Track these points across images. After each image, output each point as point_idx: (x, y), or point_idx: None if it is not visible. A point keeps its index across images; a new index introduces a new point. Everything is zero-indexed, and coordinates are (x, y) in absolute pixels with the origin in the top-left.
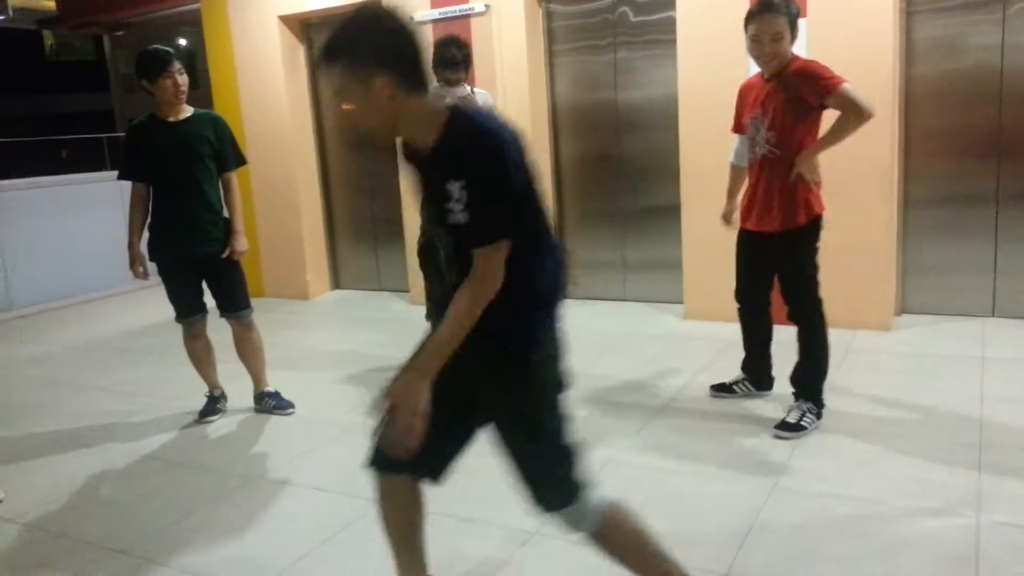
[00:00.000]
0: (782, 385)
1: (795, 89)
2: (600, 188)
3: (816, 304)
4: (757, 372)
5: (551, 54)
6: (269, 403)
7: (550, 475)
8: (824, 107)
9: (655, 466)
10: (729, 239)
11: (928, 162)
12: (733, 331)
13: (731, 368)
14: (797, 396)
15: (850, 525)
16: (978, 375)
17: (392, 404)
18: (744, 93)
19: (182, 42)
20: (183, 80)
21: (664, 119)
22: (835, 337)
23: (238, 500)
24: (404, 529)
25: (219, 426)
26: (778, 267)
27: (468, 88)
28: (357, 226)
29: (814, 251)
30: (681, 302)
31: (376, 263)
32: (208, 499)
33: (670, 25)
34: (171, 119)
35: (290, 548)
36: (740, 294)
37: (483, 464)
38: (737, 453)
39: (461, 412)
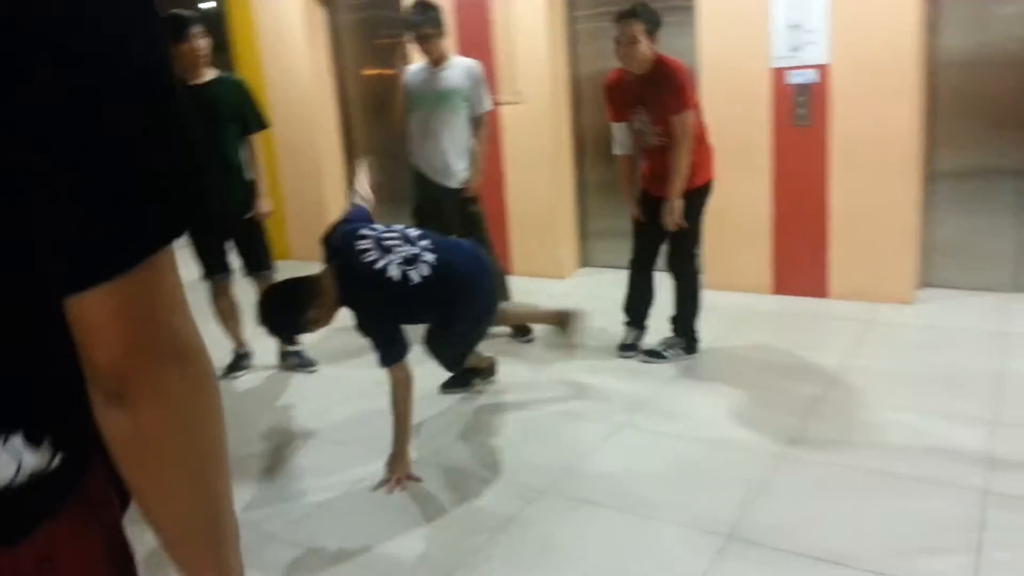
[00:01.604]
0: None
1: (663, 91)
2: None
3: (696, 257)
4: (643, 321)
5: (572, 20)
6: (293, 361)
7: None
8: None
9: (663, 431)
10: (745, 210)
11: (953, 133)
12: (750, 301)
13: (745, 337)
14: (676, 333)
15: (857, 490)
16: (998, 349)
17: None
18: (613, 88)
19: (212, 3)
20: (202, 45)
21: None
22: (855, 310)
23: (260, 451)
24: None
25: (245, 382)
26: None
27: (448, 57)
28: (377, 194)
29: (702, 211)
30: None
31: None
32: (235, 451)
33: None
34: (194, 82)
35: (308, 496)
36: (644, 256)
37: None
38: (751, 418)
39: None
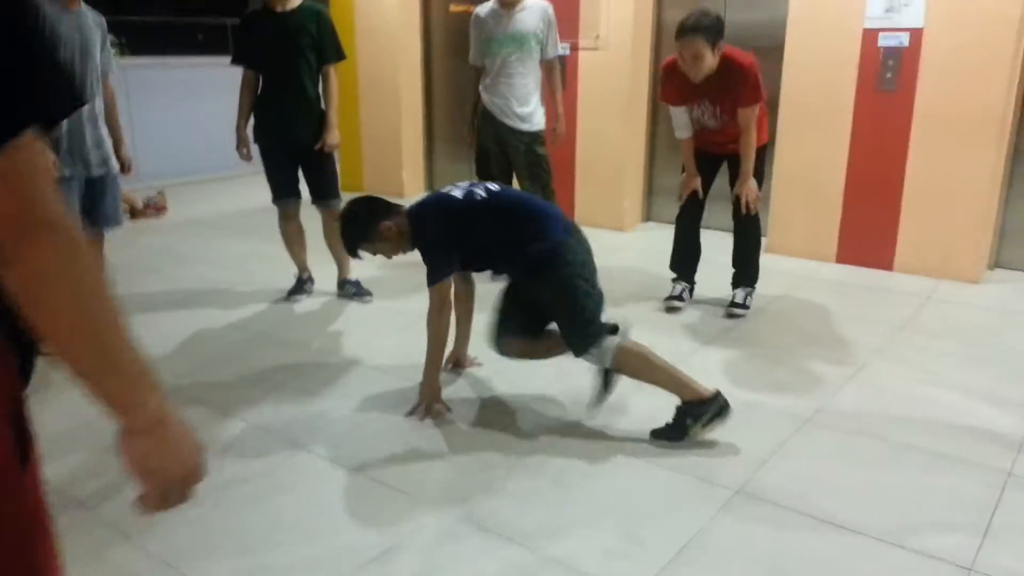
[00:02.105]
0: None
1: (734, 85)
2: None
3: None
4: (691, 276)
5: None
6: (350, 290)
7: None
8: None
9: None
10: (818, 174)
11: None
12: (812, 267)
13: (798, 304)
14: (747, 282)
15: (876, 460)
16: None
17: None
18: (674, 74)
19: None
20: None
21: (772, 44)
22: (918, 285)
23: (309, 372)
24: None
25: (304, 305)
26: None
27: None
28: (454, 129)
29: (763, 165)
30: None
31: (470, 167)
32: (283, 368)
33: None
34: (279, 9)
35: (348, 419)
36: (691, 209)
37: None
38: (783, 382)
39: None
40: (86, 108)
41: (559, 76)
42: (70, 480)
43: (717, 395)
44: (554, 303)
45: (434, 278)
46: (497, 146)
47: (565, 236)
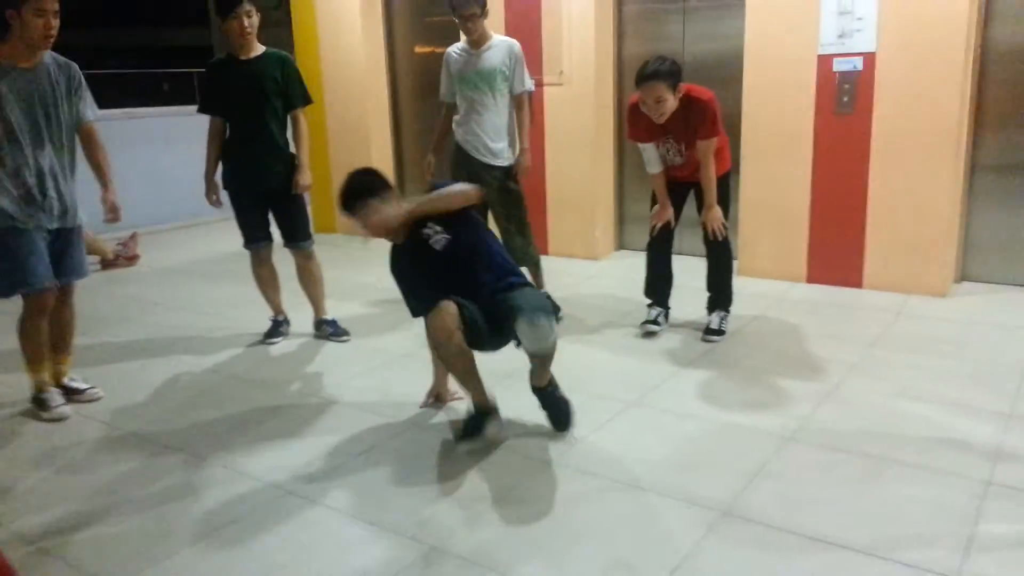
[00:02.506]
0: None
1: (695, 121)
2: None
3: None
4: (665, 301)
5: (619, 1)
6: (327, 330)
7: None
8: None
9: (672, 411)
10: (783, 197)
11: (1000, 127)
12: (783, 288)
13: (772, 325)
14: (722, 305)
15: (857, 476)
16: None
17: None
18: (639, 113)
19: None
20: (250, 23)
21: (730, 74)
22: (888, 301)
23: (287, 413)
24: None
25: (280, 348)
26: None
27: (490, 37)
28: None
29: (729, 192)
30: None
31: None
32: (261, 411)
33: None
34: (243, 57)
35: (328, 458)
36: (662, 236)
37: None
38: (762, 403)
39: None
40: (48, 162)
41: (527, 111)
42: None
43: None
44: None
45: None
46: (472, 181)
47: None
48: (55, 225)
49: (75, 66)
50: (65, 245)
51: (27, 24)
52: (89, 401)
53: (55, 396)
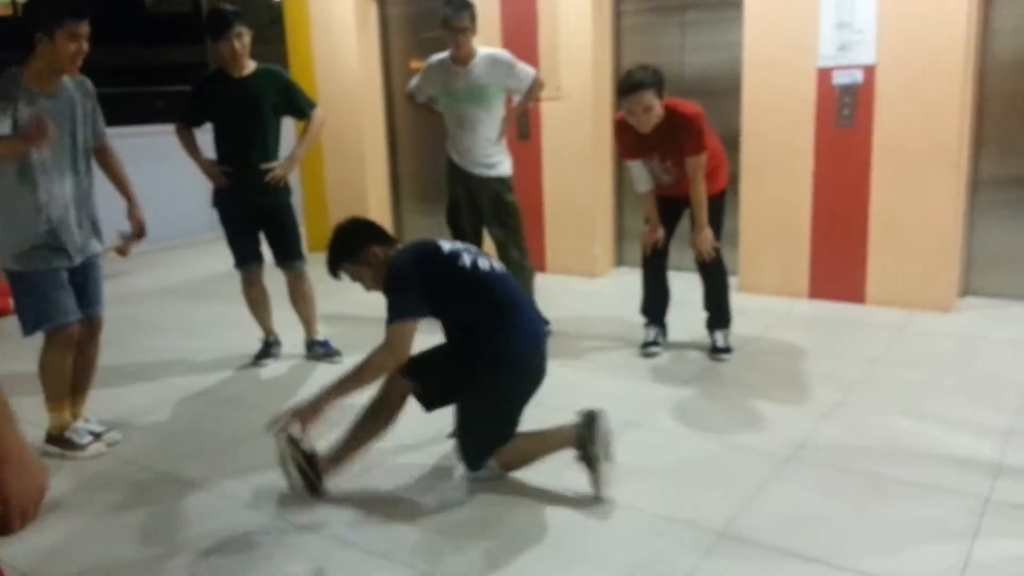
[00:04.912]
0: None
1: (681, 137)
2: None
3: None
4: (662, 319)
5: (616, 15)
6: (319, 351)
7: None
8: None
9: (672, 431)
10: (784, 212)
11: (1001, 139)
12: (784, 305)
13: (773, 342)
14: (722, 325)
15: (857, 494)
16: None
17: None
18: (626, 130)
19: None
20: (241, 44)
21: (732, 85)
22: (891, 317)
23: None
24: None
25: (271, 370)
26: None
27: (475, 52)
28: (421, 186)
29: (722, 212)
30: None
31: (439, 222)
32: (252, 434)
33: None
34: (236, 75)
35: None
36: (657, 254)
37: None
38: (762, 422)
39: None
40: (73, 192)
41: (537, 90)
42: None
43: (586, 416)
44: (466, 409)
45: (395, 313)
46: (467, 195)
47: (523, 349)
48: (78, 260)
49: (88, 80)
50: (87, 274)
51: (58, 48)
52: (109, 445)
53: (83, 432)
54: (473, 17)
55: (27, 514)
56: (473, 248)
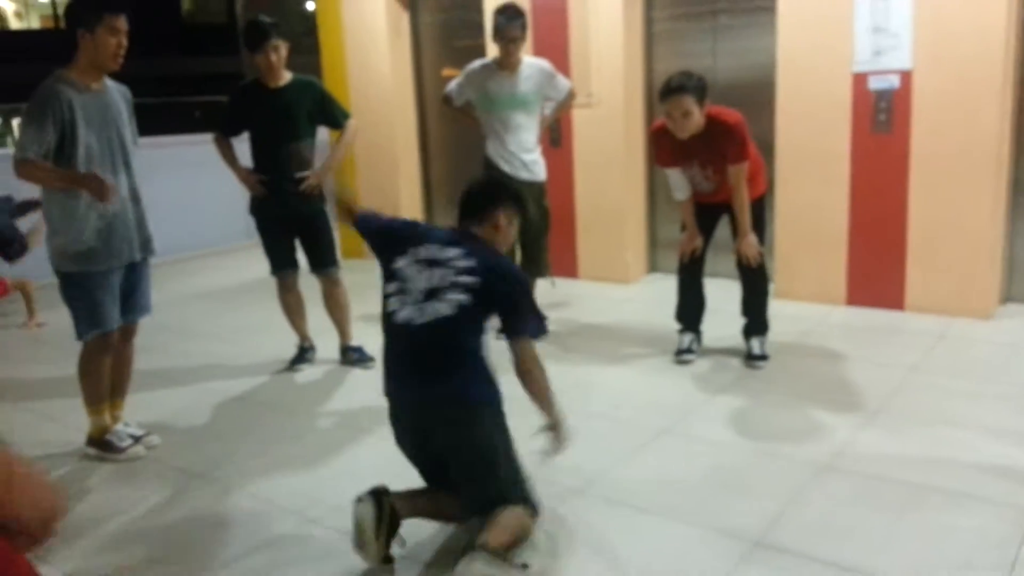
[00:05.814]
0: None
1: (723, 144)
2: None
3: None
4: (698, 326)
5: (648, 22)
6: (352, 356)
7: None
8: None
9: (707, 438)
10: (821, 218)
11: None
12: (822, 312)
13: (811, 348)
14: (759, 331)
15: (895, 503)
16: None
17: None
18: (663, 137)
19: (310, 6)
20: (278, 56)
21: (765, 92)
22: (930, 324)
23: (314, 441)
24: None
25: (306, 374)
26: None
27: (522, 60)
28: (454, 192)
29: (763, 217)
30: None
31: None
32: (287, 438)
33: None
34: (272, 85)
35: (350, 487)
36: (693, 261)
37: None
38: (799, 429)
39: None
40: (124, 187)
41: (570, 101)
42: None
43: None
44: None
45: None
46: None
47: (392, 408)
48: (137, 256)
49: (127, 89)
50: (138, 280)
51: (100, 44)
52: (149, 448)
53: (123, 435)
54: (524, 27)
55: (46, 529)
56: (417, 292)
